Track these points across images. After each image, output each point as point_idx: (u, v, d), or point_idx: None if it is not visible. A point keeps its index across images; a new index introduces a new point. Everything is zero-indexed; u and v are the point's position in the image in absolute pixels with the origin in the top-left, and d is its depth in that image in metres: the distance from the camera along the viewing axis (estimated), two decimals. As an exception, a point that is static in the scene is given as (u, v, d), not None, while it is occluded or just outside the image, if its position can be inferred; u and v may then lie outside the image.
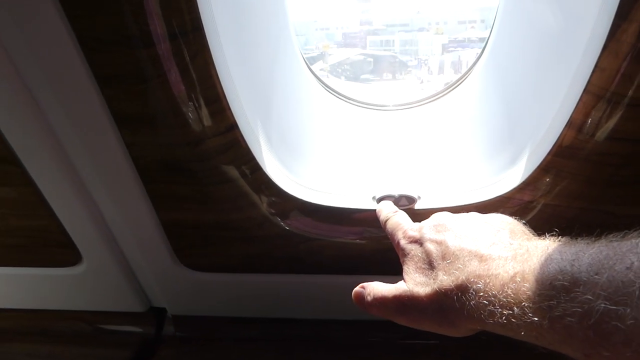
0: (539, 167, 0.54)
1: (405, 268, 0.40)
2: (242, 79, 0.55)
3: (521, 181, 0.56)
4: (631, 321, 0.21)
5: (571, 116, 0.49)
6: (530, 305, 0.27)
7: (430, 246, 0.38)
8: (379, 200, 0.59)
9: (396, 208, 0.53)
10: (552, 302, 0.26)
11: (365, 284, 0.44)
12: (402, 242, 0.43)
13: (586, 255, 0.26)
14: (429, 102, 0.76)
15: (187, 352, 0.78)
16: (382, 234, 0.62)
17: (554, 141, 0.52)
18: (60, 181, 0.60)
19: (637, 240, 0.24)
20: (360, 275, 0.66)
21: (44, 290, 0.79)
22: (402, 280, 0.40)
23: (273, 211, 0.61)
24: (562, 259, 0.27)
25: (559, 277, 0.26)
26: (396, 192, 0.58)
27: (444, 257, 0.36)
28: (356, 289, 0.44)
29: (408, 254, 0.41)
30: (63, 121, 0.53)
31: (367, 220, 0.61)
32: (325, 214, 0.61)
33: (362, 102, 0.79)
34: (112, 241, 0.68)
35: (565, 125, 0.50)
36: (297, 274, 0.69)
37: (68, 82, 0.49)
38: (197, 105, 0.51)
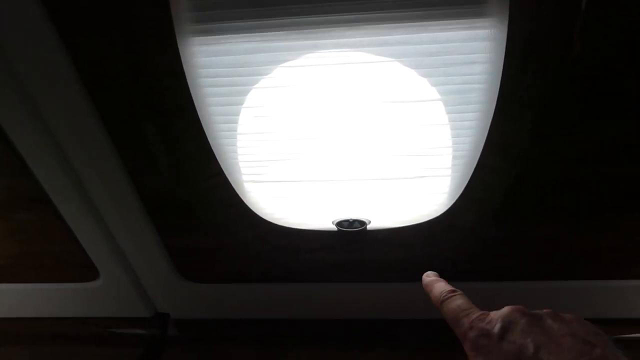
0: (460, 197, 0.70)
1: None
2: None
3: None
4: None
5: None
6: None
7: (510, 348, 0.35)
8: (337, 223, 0.74)
9: (449, 286, 0.46)
10: None
11: None
12: (472, 335, 0.38)
13: None
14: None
15: (189, 351, 0.93)
16: (343, 250, 0.78)
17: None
18: (83, 215, 0.75)
19: None
20: (331, 283, 0.83)
21: (66, 301, 0.94)
22: None
23: (255, 235, 0.77)
24: None
25: None
26: (350, 217, 0.74)
27: None
28: None
29: (479, 349, 0.37)
30: (87, 170, 0.69)
31: (328, 238, 0.77)
32: (296, 236, 0.77)
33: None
34: (124, 261, 0.83)
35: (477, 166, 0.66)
36: (282, 282, 0.85)
37: (93, 150, 0.65)
38: (190, 157, 0.67)
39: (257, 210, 0.75)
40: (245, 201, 0.73)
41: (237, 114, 0.65)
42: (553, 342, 0.35)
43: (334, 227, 0.75)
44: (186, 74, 0.59)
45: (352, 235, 0.75)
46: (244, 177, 0.72)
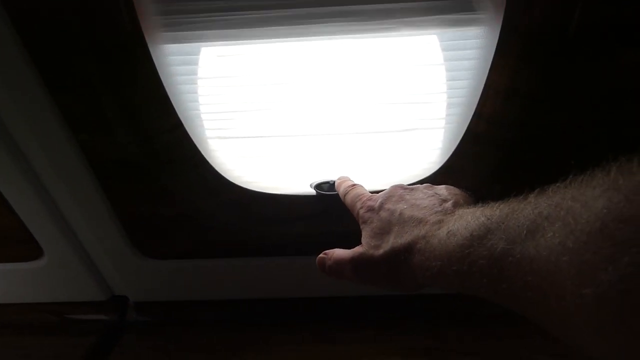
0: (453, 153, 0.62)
1: (363, 234, 0.45)
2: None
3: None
4: (518, 255, 0.27)
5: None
6: (455, 255, 0.33)
7: (384, 214, 0.43)
8: (316, 186, 0.65)
9: (354, 182, 0.57)
10: (470, 250, 0.31)
11: (327, 251, 0.48)
12: (361, 212, 0.47)
13: (498, 210, 0.31)
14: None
15: (150, 336, 0.83)
16: (323, 218, 0.69)
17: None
18: (18, 180, 0.63)
19: (533, 195, 0.30)
20: (305, 256, 0.73)
21: (7, 285, 0.82)
22: (360, 245, 0.44)
23: (222, 201, 0.67)
24: (482, 214, 0.32)
25: (477, 229, 0.31)
26: (331, 179, 0.65)
27: (395, 224, 0.41)
28: (319, 256, 0.48)
29: (365, 221, 0.45)
30: (20, 126, 0.58)
31: (306, 205, 0.67)
32: (269, 202, 0.67)
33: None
34: (71, 235, 0.72)
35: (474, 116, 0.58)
36: (249, 257, 0.75)
37: (24, 90, 0.53)
38: (143, 106, 0.56)
39: (223, 172, 0.65)
40: (209, 161, 0.63)
41: (197, 53, 0.55)
42: (417, 203, 0.42)
43: (312, 191, 0.66)
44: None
45: (332, 199, 0.66)
46: (208, 133, 0.62)
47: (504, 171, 0.62)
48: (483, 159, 0.62)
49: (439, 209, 0.40)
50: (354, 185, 0.54)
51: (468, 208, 0.38)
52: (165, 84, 0.55)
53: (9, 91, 0.54)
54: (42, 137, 0.59)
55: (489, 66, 0.53)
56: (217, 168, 0.64)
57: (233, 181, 0.65)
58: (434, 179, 0.64)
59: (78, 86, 0.54)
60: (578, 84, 0.53)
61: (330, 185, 0.65)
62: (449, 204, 0.40)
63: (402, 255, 0.38)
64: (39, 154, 0.61)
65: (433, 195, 0.43)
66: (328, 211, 0.68)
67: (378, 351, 0.75)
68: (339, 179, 0.59)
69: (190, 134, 0.60)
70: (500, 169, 0.62)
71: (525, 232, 0.27)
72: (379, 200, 0.45)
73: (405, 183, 0.64)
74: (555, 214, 0.26)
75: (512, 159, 0.61)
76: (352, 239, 0.65)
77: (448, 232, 0.35)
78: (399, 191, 0.45)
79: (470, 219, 0.33)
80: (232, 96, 0.58)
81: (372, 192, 0.53)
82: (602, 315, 0.22)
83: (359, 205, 0.48)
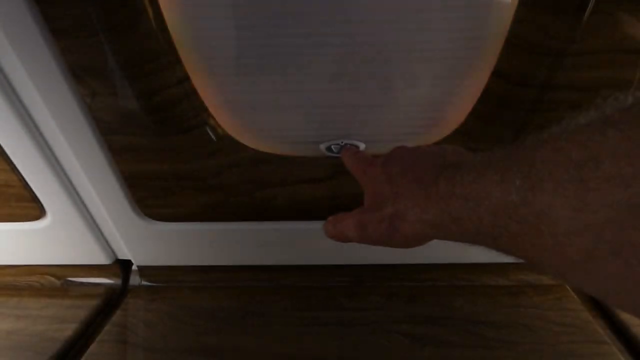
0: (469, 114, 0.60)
1: (365, 196, 0.47)
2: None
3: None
4: (515, 201, 0.28)
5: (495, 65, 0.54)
6: (454, 206, 0.34)
7: (384, 176, 0.44)
8: (326, 147, 0.63)
9: (357, 149, 0.59)
10: (468, 200, 0.32)
11: (331, 216, 0.49)
12: (363, 176, 0.49)
13: (495, 159, 0.32)
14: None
15: (153, 301, 0.82)
16: (332, 180, 0.67)
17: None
18: (20, 135, 0.61)
19: (529, 141, 0.29)
20: (313, 221, 0.72)
21: (9, 245, 0.81)
22: (362, 206, 0.46)
23: (228, 161, 0.65)
24: (479, 164, 0.33)
25: (474, 180, 0.32)
26: (341, 140, 0.63)
27: (395, 183, 0.42)
28: (325, 223, 0.49)
29: (367, 184, 0.47)
30: (21, 76, 0.55)
31: (316, 167, 0.65)
32: (277, 162, 0.65)
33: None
34: (74, 194, 0.71)
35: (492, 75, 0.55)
36: (255, 222, 0.74)
37: (23, 36, 0.51)
38: (150, 57, 0.54)
39: (228, 129, 0.63)
40: (216, 118, 0.61)
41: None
42: (417, 162, 0.42)
43: (322, 153, 0.64)
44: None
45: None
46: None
47: (522, 134, 0.60)
48: (500, 121, 0.60)
49: (439, 166, 0.40)
50: (357, 151, 0.56)
51: (467, 164, 0.37)
52: (172, 32, 0.53)
53: (8, 37, 0.52)
54: (43, 86, 0.57)
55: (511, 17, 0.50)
56: (223, 126, 0.62)
57: (240, 140, 0.63)
58: (448, 141, 0.62)
59: (80, 30, 0.51)
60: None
61: (342, 146, 0.63)
62: (449, 161, 0.41)
63: (402, 212, 0.39)
64: (39, 105, 0.59)
65: (433, 154, 0.43)
66: (338, 173, 0.66)
67: (387, 319, 0.73)
68: (344, 149, 0.59)
69: (197, 89, 0.58)
70: (519, 132, 0.60)
71: (519, 179, 0.28)
72: (380, 163, 0.46)
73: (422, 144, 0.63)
74: (550, 156, 0.26)
75: (532, 122, 0.58)
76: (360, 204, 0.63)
77: (446, 186, 0.35)
78: (400, 152, 0.46)
79: (468, 172, 0.34)
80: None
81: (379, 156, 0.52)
82: (597, 249, 0.23)
83: (361, 169, 0.50)
